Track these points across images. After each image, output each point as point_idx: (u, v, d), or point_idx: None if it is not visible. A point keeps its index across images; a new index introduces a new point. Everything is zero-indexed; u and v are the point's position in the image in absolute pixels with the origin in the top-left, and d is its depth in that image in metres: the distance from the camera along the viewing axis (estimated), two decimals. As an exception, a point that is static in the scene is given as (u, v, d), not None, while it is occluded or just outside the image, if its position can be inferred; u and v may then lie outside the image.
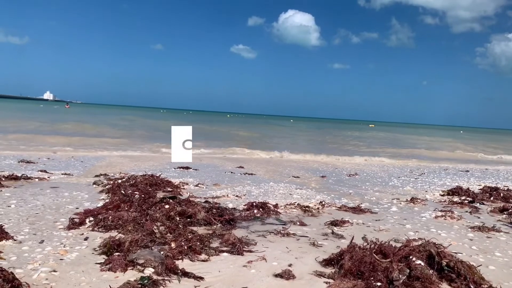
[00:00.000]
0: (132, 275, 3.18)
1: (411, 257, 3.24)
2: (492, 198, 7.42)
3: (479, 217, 6.01)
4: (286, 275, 3.30)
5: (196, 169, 10.40)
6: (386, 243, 3.47)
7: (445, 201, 7.31)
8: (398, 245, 3.60)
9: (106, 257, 3.51)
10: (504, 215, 6.08)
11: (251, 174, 10.14)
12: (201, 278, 3.23)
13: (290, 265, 3.54)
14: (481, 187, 8.83)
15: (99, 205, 5.49)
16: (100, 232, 4.31)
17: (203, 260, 3.63)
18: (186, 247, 3.77)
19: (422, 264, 3.17)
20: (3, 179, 6.98)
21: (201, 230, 4.58)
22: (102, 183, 7.29)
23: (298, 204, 6.22)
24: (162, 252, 3.57)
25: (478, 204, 6.98)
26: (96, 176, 8.29)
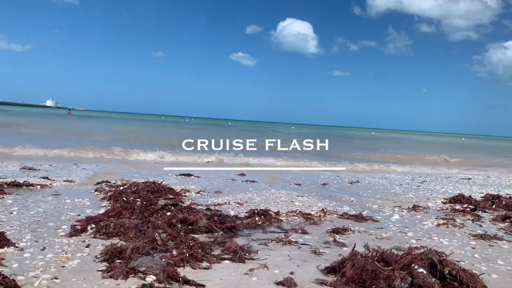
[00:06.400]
0: (133, 282, 3.18)
1: (413, 265, 3.23)
2: (494, 206, 7.40)
3: (481, 225, 5.99)
4: (287, 283, 3.29)
5: (197, 176, 10.41)
6: (388, 251, 3.46)
7: (447, 209, 7.29)
8: (400, 253, 3.59)
9: (107, 265, 3.51)
10: (507, 223, 6.05)
11: (253, 181, 10.14)
12: (203, 286, 3.22)
13: (291, 273, 3.54)
14: (483, 195, 8.80)
15: (100, 212, 5.50)
16: (102, 239, 4.32)
17: (204, 268, 3.62)
18: (187, 255, 3.76)
19: (424, 272, 3.16)
20: (6, 186, 7.00)
21: (202, 237, 4.58)
22: (103, 190, 7.30)
23: (299, 211, 6.21)
24: (163, 260, 3.56)
25: (480, 212, 6.96)
26: (98, 183, 8.31)
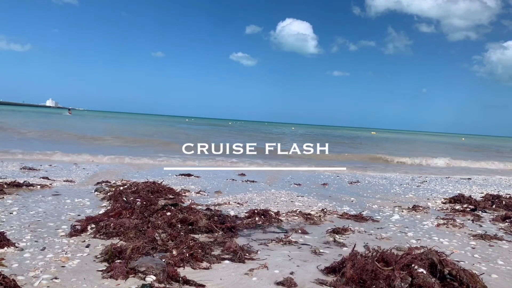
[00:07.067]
0: (133, 282, 3.18)
1: (413, 265, 3.23)
2: (494, 206, 7.39)
3: (481, 225, 5.99)
4: (287, 283, 3.29)
5: (197, 176, 10.40)
6: (388, 251, 3.46)
7: (447, 209, 7.29)
8: (400, 253, 3.59)
9: (107, 265, 3.51)
10: (507, 223, 6.05)
11: (253, 181, 10.14)
12: (203, 286, 3.22)
13: (291, 273, 3.54)
14: (483, 195, 8.80)
15: (100, 212, 5.51)
16: (102, 239, 4.32)
17: (204, 268, 3.62)
18: (187, 255, 3.76)
19: (424, 272, 3.15)
20: (6, 186, 7.00)
21: (202, 237, 4.58)
22: (103, 190, 7.30)
23: (299, 211, 6.21)
24: (163, 260, 3.56)
25: (480, 212, 6.96)
26: (98, 183, 8.31)
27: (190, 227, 4.79)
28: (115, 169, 11.35)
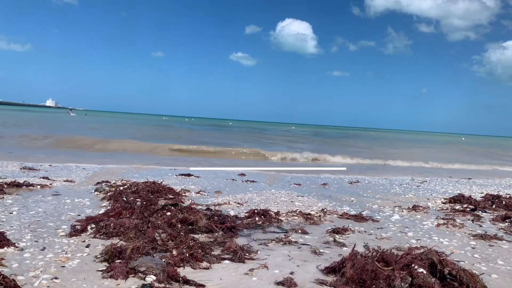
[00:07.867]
0: (133, 282, 3.18)
1: (413, 265, 3.23)
2: (494, 206, 7.39)
3: (481, 225, 5.99)
4: (287, 283, 3.29)
5: (197, 176, 10.40)
6: (388, 251, 3.46)
7: (447, 209, 7.29)
8: (400, 253, 3.59)
9: (107, 265, 3.51)
10: (506, 223, 6.05)
11: (253, 181, 10.14)
12: (203, 286, 3.22)
13: (291, 273, 3.53)
14: (483, 195, 8.80)
15: (101, 212, 5.50)
16: (102, 239, 4.31)
17: (204, 268, 3.62)
18: (187, 255, 3.76)
19: (424, 272, 3.15)
20: (6, 186, 6.99)
21: (202, 237, 4.58)
22: (103, 190, 7.30)
23: (299, 211, 6.21)
24: (163, 260, 3.56)
25: (480, 212, 6.95)
26: (98, 183, 8.31)
27: (190, 227, 4.79)
28: (115, 169, 11.35)
